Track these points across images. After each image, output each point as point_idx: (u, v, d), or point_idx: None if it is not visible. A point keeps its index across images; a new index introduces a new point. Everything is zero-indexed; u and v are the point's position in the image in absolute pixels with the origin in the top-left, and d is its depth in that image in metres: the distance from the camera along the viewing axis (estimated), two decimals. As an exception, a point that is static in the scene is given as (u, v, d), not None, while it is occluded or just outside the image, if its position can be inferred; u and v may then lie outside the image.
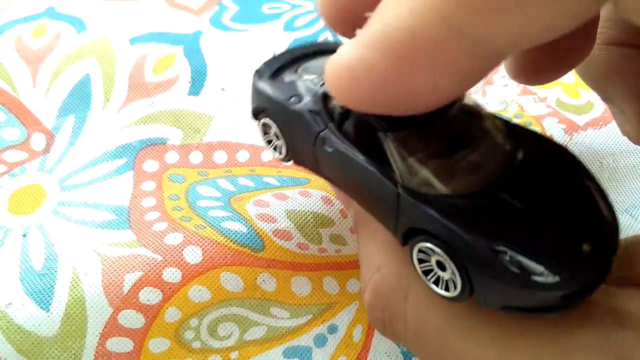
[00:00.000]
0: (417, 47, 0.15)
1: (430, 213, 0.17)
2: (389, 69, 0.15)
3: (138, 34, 0.37)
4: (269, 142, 0.24)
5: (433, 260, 0.18)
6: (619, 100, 0.26)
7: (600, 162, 0.33)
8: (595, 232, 0.17)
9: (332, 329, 0.28)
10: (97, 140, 0.33)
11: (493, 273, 0.16)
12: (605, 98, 0.28)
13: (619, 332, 0.16)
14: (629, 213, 0.33)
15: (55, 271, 0.26)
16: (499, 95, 0.37)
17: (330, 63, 0.16)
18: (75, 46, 0.36)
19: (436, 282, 0.18)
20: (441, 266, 0.18)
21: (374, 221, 0.21)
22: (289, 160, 0.23)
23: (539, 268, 0.16)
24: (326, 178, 0.22)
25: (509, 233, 0.17)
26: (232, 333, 0.27)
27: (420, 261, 0.19)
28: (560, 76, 0.25)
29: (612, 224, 0.18)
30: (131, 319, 0.26)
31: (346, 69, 0.16)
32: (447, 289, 0.18)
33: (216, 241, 0.27)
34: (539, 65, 0.24)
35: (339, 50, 0.16)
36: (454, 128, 0.19)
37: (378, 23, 0.15)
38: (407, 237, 0.18)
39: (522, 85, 0.38)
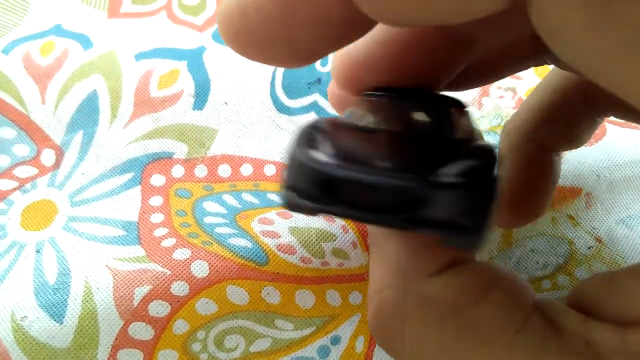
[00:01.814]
0: None
1: None
2: (277, 12, 0.15)
3: (143, 49, 0.38)
4: None
5: None
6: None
7: (597, 175, 0.34)
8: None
9: (335, 340, 0.29)
10: (105, 155, 0.34)
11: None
12: None
13: None
14: (625, 223, 0.34)
15: (69, 285, 0.27)
16: (494, 107, 0.38)
17: (223, 6, 0.16)
18: (82, 63, 0.36)
19: None
20: None
21: (383, 241, 0.22)
22: None
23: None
24: None
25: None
26: (238, 345, 0.28)
27: None
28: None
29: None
30: (141, 331, 0.27)
31: (237, 5, 0.16)
32: None
33: (222, 256, 0.28)
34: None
35: None
36: None
37: None
38: None
39: (517, 97, 0.39)
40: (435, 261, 0.21)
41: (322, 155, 0.17)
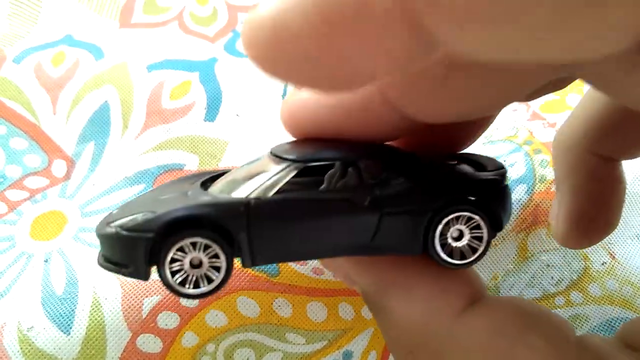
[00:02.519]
0: (361, 21, 0.12)
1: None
2: (324, 37, 0.12)
3: (155, 61, 0.38)
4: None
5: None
6: (562, 192, 0.26)
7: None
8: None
9: (347, 355, 0.28)
10: (116, 166, 0.33)
11: None
12: (556, 184, 0.28)
13: None
14: (639, 239, 0.33)
15: (76, 296, 0.27)
16: (509, 120, 0.37)
17: (253, 14, 0.13)
18: (94, 74, 0.36)
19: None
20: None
21: (390, 299, 0.21)
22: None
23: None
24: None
25: None
26: (248, 359, 0.28)
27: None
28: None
29: None
30: (149, 343, 0.27)
31: (270, 23, 0.13)
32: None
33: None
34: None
35: (255, 7, 0.14)
36: None
37: None
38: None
39: (531, 110, 0.38)
40: (460, 297, 0.20)
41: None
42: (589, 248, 0.33)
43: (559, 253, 0.32)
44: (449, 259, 0.21)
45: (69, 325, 0.26)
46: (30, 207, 0.32)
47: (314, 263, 0.29)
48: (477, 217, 0.21)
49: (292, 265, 0.29)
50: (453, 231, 0.21)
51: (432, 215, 0.21)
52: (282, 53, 0.13)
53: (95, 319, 0.26)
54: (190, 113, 0.36)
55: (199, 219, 0.19)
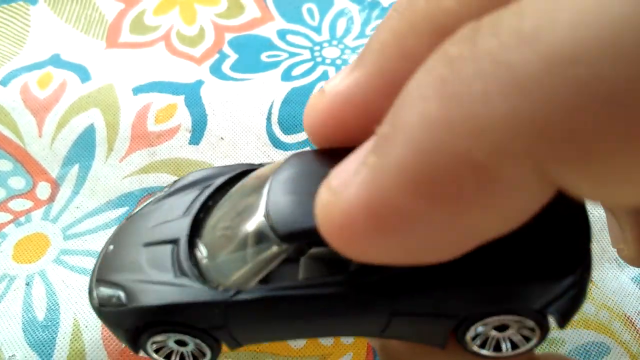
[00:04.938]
0: (487, 190, 0.10)
1: None
2: (423, 214, 0.11)
3: (141, 83, 0.38)
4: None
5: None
6: (623, 216, 0.24)
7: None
8: None
9: (325, 382, 0.29)
10: (100, 189, 0.34)
11: None
12: (606, 206, 0.25)
13: None
14: (617, 262, 0.34)
15: (57, 323, 0.27)
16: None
17: (324, 203, 0.12)
18: (80, 95, 0.37)
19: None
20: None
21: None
22: None
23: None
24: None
25: None
26: (227, 386, 0.28)
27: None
28: None
29: None
30: (130, 371, 0.27)
31: (364, 209, 0.11)
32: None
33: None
34: None
35: (328, 184, 0.12)
36: None
37: (400, 143, 0.10)
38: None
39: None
40: None
41: None
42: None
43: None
44: (491, 353, 0.18)
45: (50, 353, 0.26)
46: (14, 229, 0.32)
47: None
48: (531, 324, 0.17)
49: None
50: (494, 323, 0.18)
51: (463, 320, 0.17)
52: (385, 239, 0.11)
53: (76, 348, 0.26)
54: (176, 136, 0.36)
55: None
